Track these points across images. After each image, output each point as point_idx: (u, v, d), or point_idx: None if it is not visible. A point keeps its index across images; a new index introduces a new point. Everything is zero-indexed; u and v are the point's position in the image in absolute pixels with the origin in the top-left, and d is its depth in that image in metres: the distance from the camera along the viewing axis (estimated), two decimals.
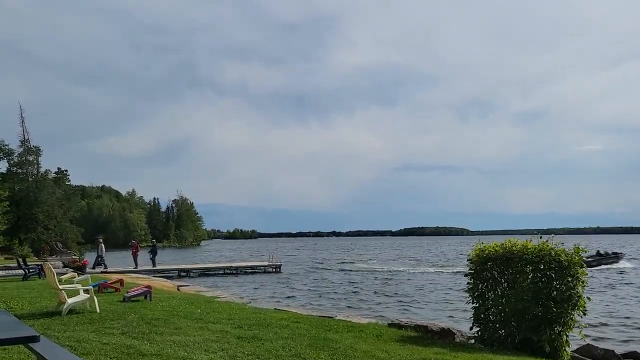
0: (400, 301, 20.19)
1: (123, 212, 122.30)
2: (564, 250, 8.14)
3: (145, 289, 12.95)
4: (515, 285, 8.44)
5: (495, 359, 6.67)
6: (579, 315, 8.08)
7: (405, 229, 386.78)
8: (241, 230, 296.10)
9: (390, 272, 36.67)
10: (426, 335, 8.96)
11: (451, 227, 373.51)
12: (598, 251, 47.45)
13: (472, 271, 9.01)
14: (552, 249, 8.16)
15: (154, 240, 38.24)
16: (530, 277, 8.31)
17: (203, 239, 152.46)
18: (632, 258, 49.82)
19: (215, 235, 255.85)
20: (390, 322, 10.42)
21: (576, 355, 8.64)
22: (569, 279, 8.00)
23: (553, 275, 8.04)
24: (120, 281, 15.70)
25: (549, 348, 7.91)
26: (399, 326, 9.71)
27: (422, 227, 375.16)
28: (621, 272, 34.90)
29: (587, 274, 8.25)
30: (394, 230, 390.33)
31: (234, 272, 34.76)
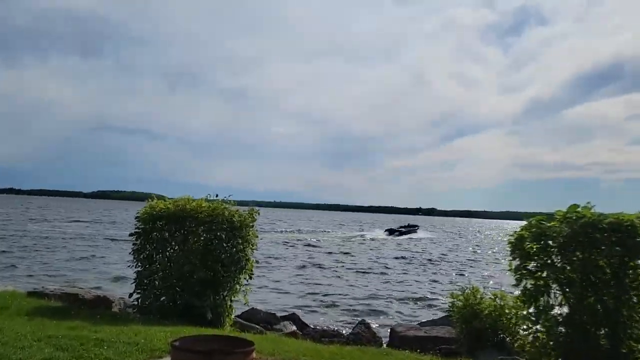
0: (67, 268, 17.80)
1: None
2: (237, 210, 7.68)
3: None
4: (186, 246, 7.63)
5: (138, 329, 5.63)
6: (245, 279, 7.75)
7: (99, 191, 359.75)
8: None
9: (65, 234, 32.95)
10: (74, 306, 7.42)
11: (149, 193, 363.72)
12: (408, 223, 66.18)
13: (139, 230, 7.84)
14: (225, 208, 7.62)
15: None
16: (202, 238, 7.63)
17: None
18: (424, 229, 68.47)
19: None
20: (32, 290, 8.46)
21: (239, 320, 8.39)
22: (240, 241, 7.59)
23: (224, 236, 7.51)
24: None
25: (211, 314, 7.34)
26: (42, 295, 7.89)
27: (119, 191, 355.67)
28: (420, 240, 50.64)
29: (257, 237, 7.99)
30: (86, 192, 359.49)
31: None
